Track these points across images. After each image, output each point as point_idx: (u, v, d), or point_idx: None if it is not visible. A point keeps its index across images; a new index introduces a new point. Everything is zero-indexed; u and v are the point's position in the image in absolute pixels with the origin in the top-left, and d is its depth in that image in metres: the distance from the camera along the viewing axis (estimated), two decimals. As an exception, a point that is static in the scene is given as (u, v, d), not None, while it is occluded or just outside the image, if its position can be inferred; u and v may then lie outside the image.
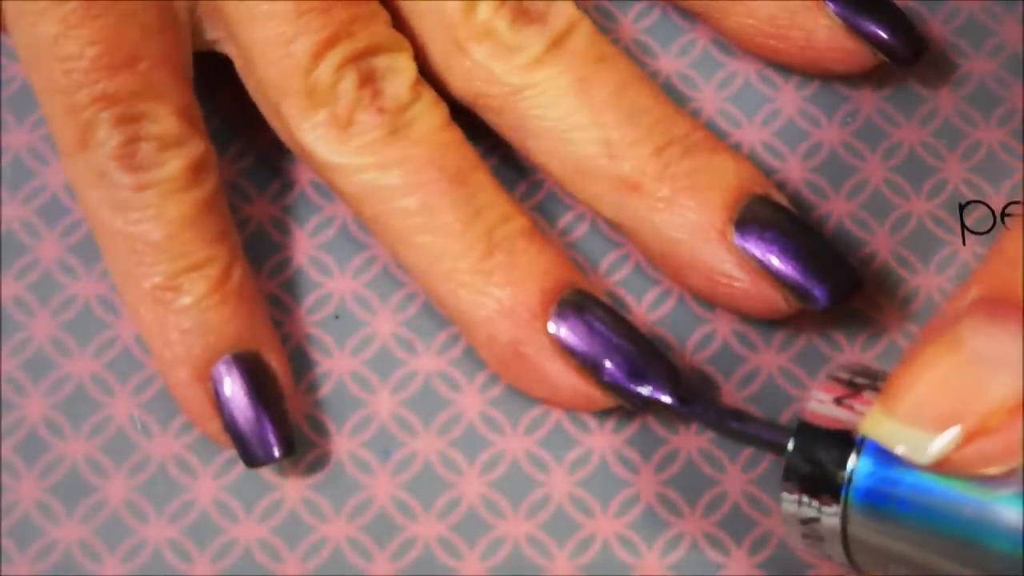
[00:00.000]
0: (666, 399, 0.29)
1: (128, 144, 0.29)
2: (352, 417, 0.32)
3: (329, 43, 0.30)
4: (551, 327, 0.29)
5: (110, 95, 0.29)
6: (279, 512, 0.31)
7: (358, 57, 0.30)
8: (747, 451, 0.31)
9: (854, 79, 0.34)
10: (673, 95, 0.34)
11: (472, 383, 0.32)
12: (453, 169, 0.30)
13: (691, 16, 0.34)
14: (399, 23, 0.32)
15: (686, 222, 0.30)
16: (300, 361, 0.32)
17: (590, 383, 0.29)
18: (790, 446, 0.25)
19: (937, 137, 0.33)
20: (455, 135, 0.31)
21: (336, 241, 0.33)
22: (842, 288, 0.30)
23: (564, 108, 0.30)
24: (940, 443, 0.22)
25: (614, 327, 0.29)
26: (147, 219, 0.30)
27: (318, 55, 0.30)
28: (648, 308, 0.32)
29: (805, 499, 0.25)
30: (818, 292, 0.29)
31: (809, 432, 0.25)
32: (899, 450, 0.23)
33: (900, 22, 0.32)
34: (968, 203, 0.33)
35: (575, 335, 0.29)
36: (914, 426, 0.22)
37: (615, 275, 0.33)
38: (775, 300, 0.30)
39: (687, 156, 0.30)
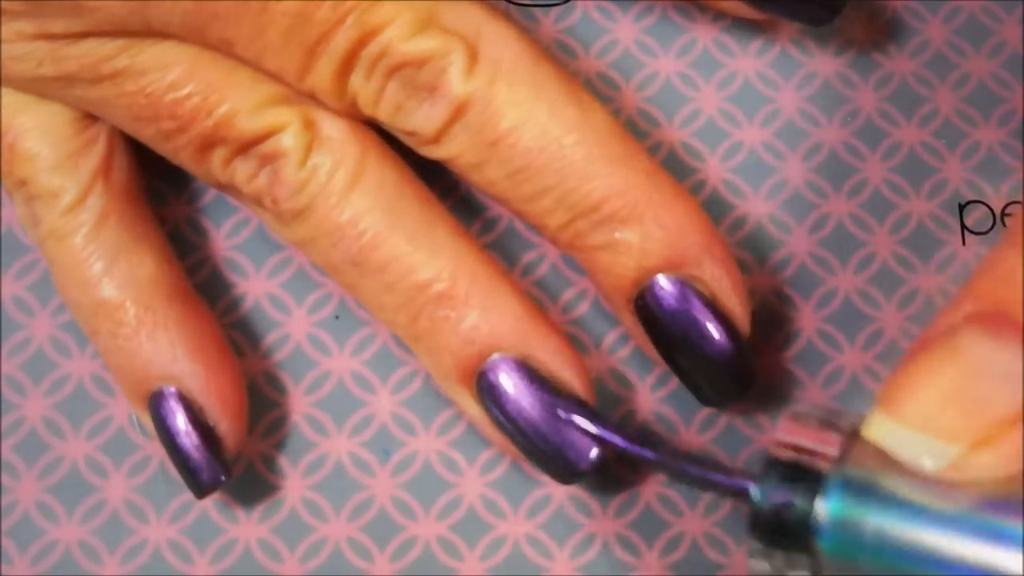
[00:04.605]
0: (617, 441, 0.28)
1: (25, 204, 0.31)
2: (352, 417, 0.32)
3: (202, 152, 0.30)
4: (475, 390, 0.29)
5: None
6: (279, 512, 0.31)
7: (237, 154, 0.30)
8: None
9: (853, 79, 0.34)
10: (673, 95, 0.34)
11: (472, 383, 0.32)
12: (354, 250, 0.29)
13: (691, 16, 0.34)
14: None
15: (602, 291, 0.30)
16: (300, 361, 0.32)
17: (511, 443, 0.29)
18: (755, 494, 0.24)
19: (937, 137, 0.33)
20: (356, 206, 0.29)
21: (336, 241, 0.33)
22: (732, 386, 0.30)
23: (474, 183, 0.30)
24: (948, 450, 0.23)
25: (531, 396, 0.29)
26: (53, 273, 0.31)
27: (200, 163, 0.30)
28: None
29: (773, 549, 0.24)
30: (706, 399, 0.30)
31: (774, 476, 0.24)
32: (904, 454, 0.23)
33: None
34: (968, 203, 0.33)
35: (495, 404, 0.29)
36: (922, 432, 0.23)
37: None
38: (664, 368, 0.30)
39: (595, 229, 0.29)
